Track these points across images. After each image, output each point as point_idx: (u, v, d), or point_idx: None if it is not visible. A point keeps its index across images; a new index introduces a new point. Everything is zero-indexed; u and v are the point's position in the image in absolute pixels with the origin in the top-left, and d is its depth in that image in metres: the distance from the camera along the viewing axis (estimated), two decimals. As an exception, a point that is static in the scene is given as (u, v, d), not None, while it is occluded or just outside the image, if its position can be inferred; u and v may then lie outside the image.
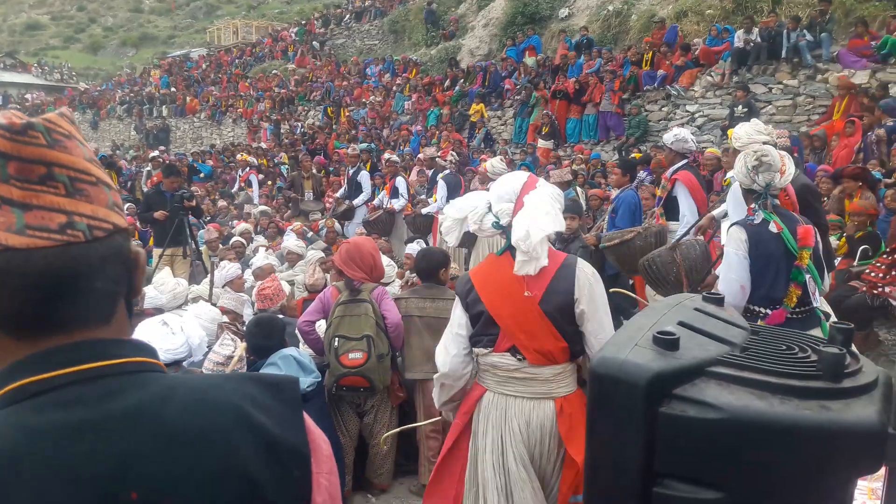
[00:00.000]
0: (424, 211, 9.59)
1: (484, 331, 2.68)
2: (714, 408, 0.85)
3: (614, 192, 7.61)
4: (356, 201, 10.65)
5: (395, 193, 10.33)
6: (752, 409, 0.84)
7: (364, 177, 11.04)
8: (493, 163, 8.93)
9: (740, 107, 11.80)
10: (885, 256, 5.82)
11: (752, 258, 3.45)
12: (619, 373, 0.89)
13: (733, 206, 4.13)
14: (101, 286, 0.83)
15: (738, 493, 0.85)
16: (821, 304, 3.73)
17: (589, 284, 2.63)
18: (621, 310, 5.66)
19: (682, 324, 0.99)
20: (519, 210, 2.60)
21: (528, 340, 2.59)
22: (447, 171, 10.08)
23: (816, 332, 3.52)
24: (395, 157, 11.41)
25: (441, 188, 9.45)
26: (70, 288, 0.81)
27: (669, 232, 5.66)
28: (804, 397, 0.85)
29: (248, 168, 14.79)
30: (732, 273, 3.47)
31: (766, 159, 3.42)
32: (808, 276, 3.50)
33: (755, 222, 3.45)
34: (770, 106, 12.04)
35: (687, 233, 4.95)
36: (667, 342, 0.91)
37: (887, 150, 8.74)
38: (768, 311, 3.51)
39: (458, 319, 2.74)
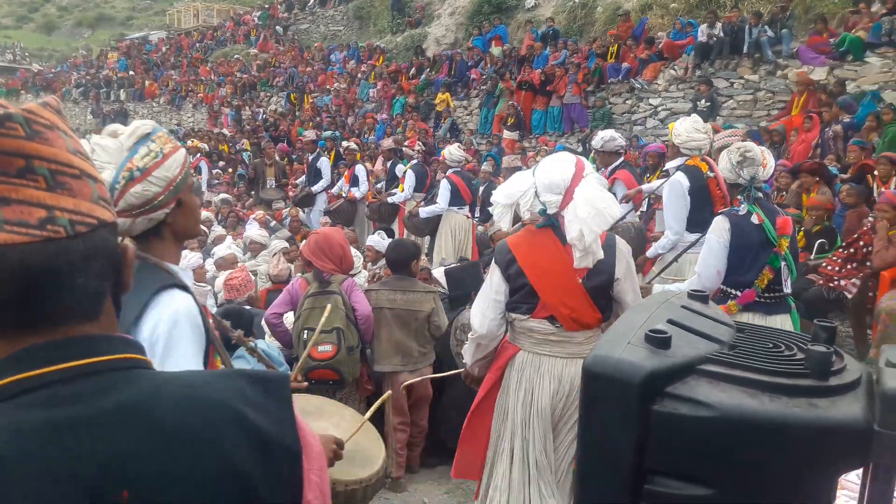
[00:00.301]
0: (390, 200, 9.52)
1: (523, 300, 2.86)
2: (706, 406, 0.86)
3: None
4: (315, 188, 10.50)
5: (354, 182, 10.30)
6: (743, 407, 0.86)
7: (324, 163, 10.86)
8: (450, 150, 9.02)
9: (703, 101, 11.99)
10: (840, 250, 5.98)
11: (733, 246, 3.69)
12: (614, 371, 0.90)
13: (670, 199, 4.43)
14: (84, 283, 0.81)
15: (730, 489, 0.87)
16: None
17: (627, 263, 2.86)
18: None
19: (671, 322, 1.01)
20: (569, 202, 2.75)
21: (567, 311, 2.80)
22: (415, 161, 10.02)
23: (785, 318, 3.81)
24: (353, 145, 11.33)
25: (409, 178, 9.36)
26: (51, 285, 0.78)
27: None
28: (793, 395, 0.87)
29: (197, 154, 14.47)
30: (711, 259, 3.71)
31: (749, 154, 3.69)
32: (783, 263, 3.73)
33: (739, 213, 3.69)
34: (731, 100, 12.26)
35: (623, 217, 5.18)
36: (659, 340, 0.92)
37: (843, 146, 8.95)
38: (738, 293, 3.73)
39: (496, 287, 2.90)
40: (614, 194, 5.79)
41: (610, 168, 6.42)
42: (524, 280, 2.83)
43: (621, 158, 6.59)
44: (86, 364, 0.80)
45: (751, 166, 3.70)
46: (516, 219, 3.14)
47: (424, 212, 8.64)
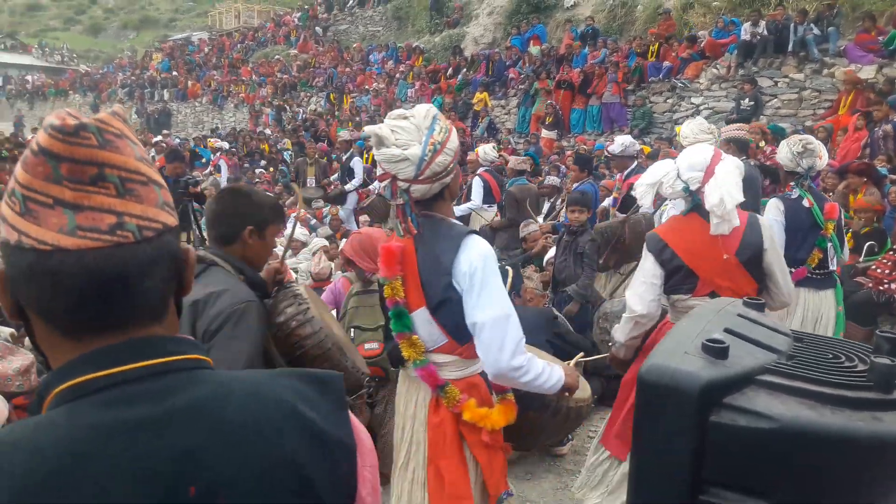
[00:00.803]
0: (458, 212, 9.34)
1: (683, 281, 3.13)
2: (765, 417, 0.86)
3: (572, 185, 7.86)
4: (347, 186, 10.71)
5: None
6: (804, 419, 0.85)
7: (357, 163, 11.13)
8: (485, 149, 9.13)
9: (746, 100, 11.78)
10: (891, 253, 5.83)
11: (787, 227, 4.24)
12: (671, 381, 0.89)
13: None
14: (151, 285, 0.84)
15: (788, 501, 0.86)
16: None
17: (770, 236, 3.14)
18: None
19: (728, 331, 1.00)
20: (710, 179, 3.03)
21: (727, 285, 3.04)
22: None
23: (831, 292, 4.43)
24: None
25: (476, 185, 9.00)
26: (121, 288, 0.81)
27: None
28: (856, 408, 0.85)
29: (218, 153, 14.68)
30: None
31: (810, 146, 4.20)
32: (829, 244, 4.26)
33: (792, 197, 4.17)
34: (776, 99, 12.02)
35: (637, 209, 5.71)
36: (716, 350, 0.92)
37: (894, 147, 8.72)
38: (792, 269, 3.95)
39: (651, 271, 3.18)
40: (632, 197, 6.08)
41: (626, 172, 6.72)
42: (680, 262, 3.10)
43: (636, 162, 6.98)
44: (155, 364, 0.83)
45: (810, 157, 4.18)
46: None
47: (458, 210, 8.59)
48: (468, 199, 8.80)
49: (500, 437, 2.43)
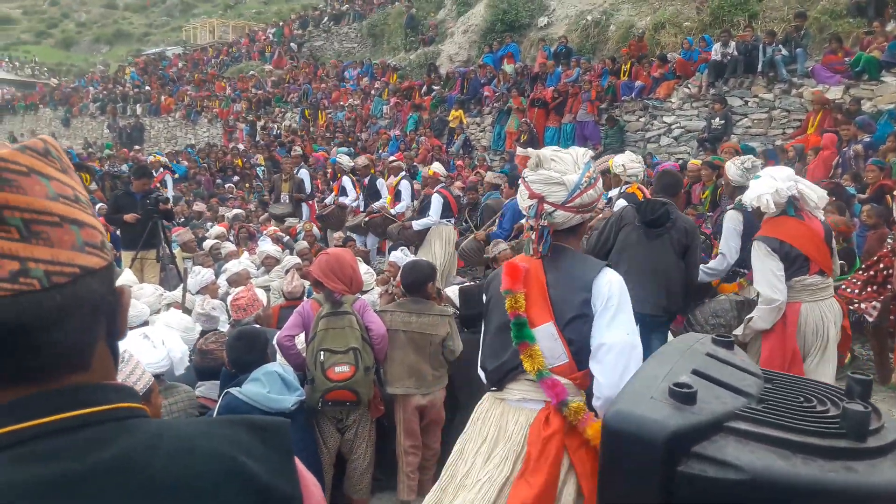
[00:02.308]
0: (393, 211, 9.63)
1: (801, 266, 4.02)
2: (735, 468, 0.81)
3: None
4: (397, 208, 10.06)
5: (342, 192, 11.19)
6: (774, 469, 0.81)
7: (347, 181, 11.10)
8: (439, 166, 9.58)
9: (717, 119, 11.92)
10: (860, 272, 5.88)
11: (744, 233, 4.68)
12: (636, 429, 0.85)
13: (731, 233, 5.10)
14: (62, 336, 0.77)
15: (759, 557, 0.82)
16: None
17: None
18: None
19: (696, 372, 0.96)
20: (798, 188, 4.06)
21: (826, 264, 4.08)
22: (403, 174, 10.46)
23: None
24: (343, 159, 11.85)
25: (405, 189, 9.70)
26: (23, 340, 0.74)
27: None
28: (828, 457, 0.82)
29: (161, 169, 14.65)
30: (732, 241, 4.75)
31: (756, 163, 4.90)
32: None
33: (748, 209, 4.53)
34: (746, 119, 12.18)
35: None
36: (683, 395, 0.87)
37: (864, 166, 8.85)
38: (746, 271, 4.70)
39: (775, 266, 3.99)
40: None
41: (620, 189, 6.64)
42: (797, 252, 3.98)
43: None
44: (78, 416, 0.77)
45: (755, 171, 4.67)
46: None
47: (417, 224, 9.01)
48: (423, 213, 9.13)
49: None
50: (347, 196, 11.09)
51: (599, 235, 5.02)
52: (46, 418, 0.75)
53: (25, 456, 0.73)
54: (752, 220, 4.57)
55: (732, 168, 4.98)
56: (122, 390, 0.84)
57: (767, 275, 4.01)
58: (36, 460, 0.73)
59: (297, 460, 0.90)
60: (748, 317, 4.21)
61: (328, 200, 11.38)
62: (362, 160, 11.84)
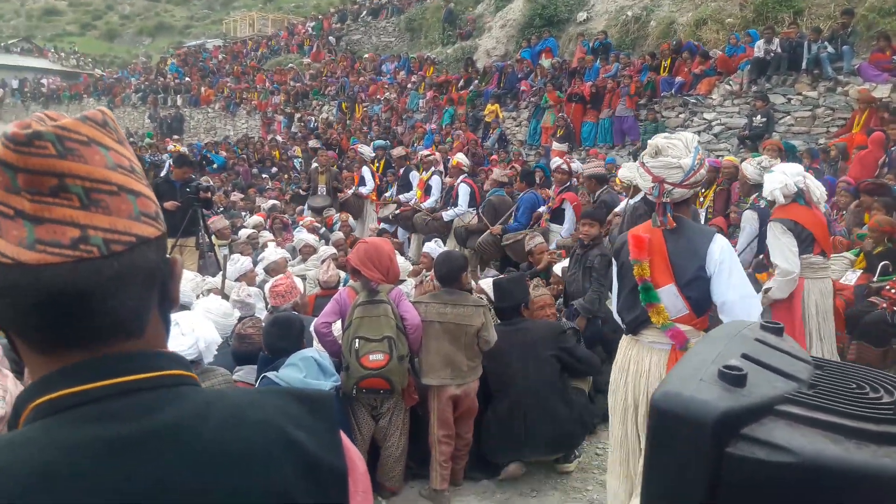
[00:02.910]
0: (445, 217, 9.42)
1: (809, 244, 4.58)
2: (785, 451, 0.81)
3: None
4: (426, 203, 9.99)
5: (361, 182, 11.69)
6: (826, 453, 0.80)
7: (413, 175, 10.87)
8: (462, 157, 9.90)
9: (759, 116, 11.71)
10: (905, 274, 5.75)
11: (761, 231, 5.15)
12: (685, 410, 0.84)
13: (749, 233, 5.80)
14: (119, 303, 0.79)
15: (807, 540, 0.81)
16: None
17: None
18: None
19: (746, 356, 0.95)
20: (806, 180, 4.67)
21: (826, 244, 4.69)
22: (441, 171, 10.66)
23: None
24: (363, 149, 12.42)
25: (463, 191, 9.34)
26: (82, 306, 0.76)
27: (551, 232, 7.85)
28: (882, 443, 0.80)
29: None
30: (785, 251, 5.12)
31: (773, 162, 5.29)
32: None
33: (762, 207, 4.94)
34: (788, 117, 11.95)
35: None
36: (734, 378, 0.87)
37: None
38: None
39: (792, 243, 4.53)
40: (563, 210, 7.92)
41: (561, 188, 7.87)
42: (807, 232, 4.55)
43: (570, 182, 8.30)
44: (133, 380, 0.79)
45: (769, 170, 4.94)
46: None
47: (447, 215, 9.26)
48: (454, 203, 9.31)
49: None
50: (366, 185, 11.51)
51: (621, 227, 5.64)
52: (102, 382, 0.77)
53: (84, 416, 0.76)
54: (766, 217, 4.95)
55: (749, 168, 5.45)
56: (174, 358, 0.86)
57: (784, 250, 4.54)
58: (93, 421, 0.75)
59: (342, 433, 0.92)
60: (765, 287, 4.69)
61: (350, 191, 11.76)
62: (398, 151, 12.05)
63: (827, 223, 4.88)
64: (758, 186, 5.09)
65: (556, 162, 8.51)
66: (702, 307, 2.98)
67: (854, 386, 0.93)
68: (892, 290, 5.65)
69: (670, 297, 2.96)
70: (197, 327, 3.49)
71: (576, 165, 8.97)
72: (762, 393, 0.87)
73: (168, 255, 0.87)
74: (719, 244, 2.92)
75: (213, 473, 0.77)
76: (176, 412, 0.79)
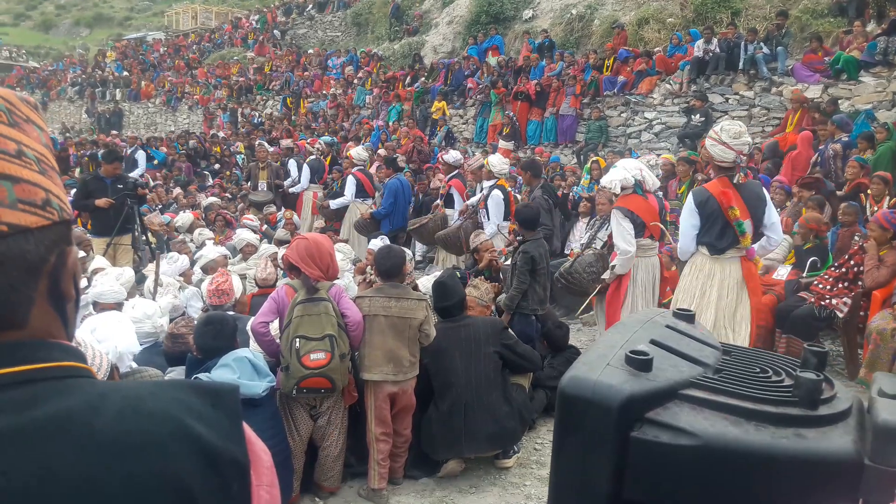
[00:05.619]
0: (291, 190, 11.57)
1: (640, 230, 5.54)
2: (688, 434, 0.81)
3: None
4: (334, 203, 10.88)
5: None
6: (727, 436, 0.81)
7: (291, 164, 12.29)
8: (358, 150, 11.10)
9: (697, 115, 11.98)
10: (832, 269, 5.95)
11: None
12: (591, 394, 0.84)
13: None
14: None
15: (710, 522, 0.82)
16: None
17: None
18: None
19: (654, 342, 0.96)
20: (643, 174, 5.81)
21: (654, 230, 5.71)
22: (312, 157, 12.21)
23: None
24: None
25: (305, 170, 11.44)
26: None
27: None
28: (780, 424, 0.82)
29: (134, 146, 15.51)
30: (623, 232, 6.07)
31: (657, 161, 6.71)
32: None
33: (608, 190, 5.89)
34: (726, 116, 12.24)
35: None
36: (640, 362, 0.87)
37: (842, 165, 8.94)
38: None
39: (629, 227, 5.48)
40: (451, 195, 9.35)
41: (492, 182, 7.96)
42: (640, 220, 5.58)
43: (457, 171, 9.38)
44: (18, 372, 0.75)
45: (655, 169, 6.14)
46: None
47: (334, 203, 10.55)
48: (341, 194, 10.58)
49: None
50: (300, 183, 11.91)
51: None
52: None
53: None
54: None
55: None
56: (67, 350, 0.81)
57: (624, 233, 5.50)
58: None
59: (245, 426, 0.89)
60: (612, 264, 5.73)
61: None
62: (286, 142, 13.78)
63: (659, 209, 5.78)
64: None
65: (454, 157, 9.71)
66: (758, 234, 4.73)
67: (758, 369, 0.94)
68: (820, 286, 5.85)
69: (748, 229, 4.59)
70: (113, 335, 3.36)
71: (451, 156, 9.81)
72: (667, 377, 0.88)
73: (64, 247, 0.83)
74: (766, 192, 4.84)
75: (106, 461, 0.73)
76: (66, 403, 0.75)
